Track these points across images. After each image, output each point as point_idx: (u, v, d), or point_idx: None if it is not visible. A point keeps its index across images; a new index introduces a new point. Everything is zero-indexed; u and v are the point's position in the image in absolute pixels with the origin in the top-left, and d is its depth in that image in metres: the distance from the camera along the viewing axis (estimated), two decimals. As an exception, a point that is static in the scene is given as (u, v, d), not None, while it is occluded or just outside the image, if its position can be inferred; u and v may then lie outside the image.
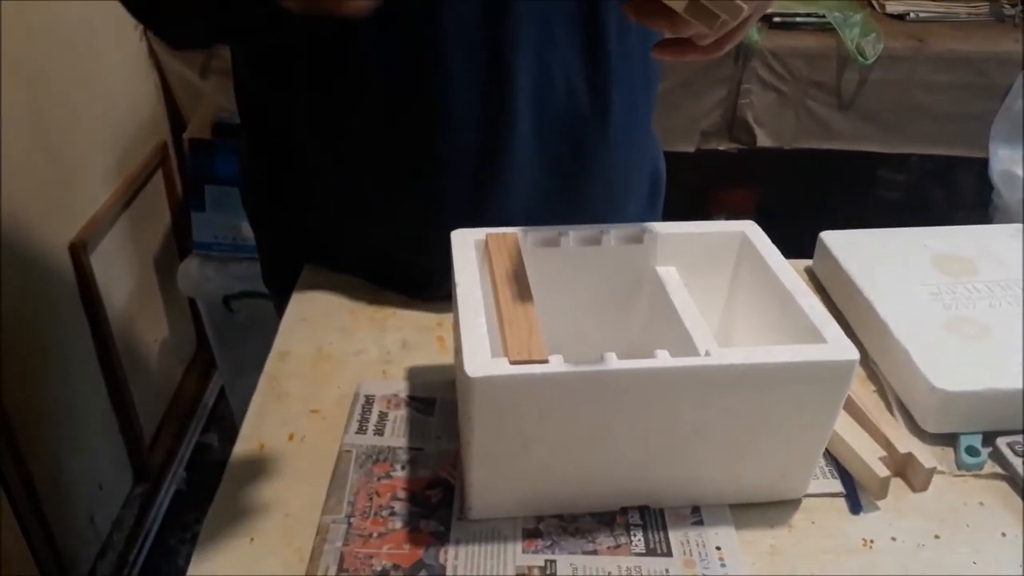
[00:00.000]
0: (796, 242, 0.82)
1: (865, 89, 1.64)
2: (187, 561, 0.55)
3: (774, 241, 0.64)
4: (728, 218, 2.21)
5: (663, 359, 0.51)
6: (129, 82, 1.53)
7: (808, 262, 0.86)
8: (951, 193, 2.00)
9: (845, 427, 0.62)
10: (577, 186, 0.76)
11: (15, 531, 1.20)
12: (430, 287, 0.78)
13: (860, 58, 1.59)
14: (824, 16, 1.65)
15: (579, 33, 0.69)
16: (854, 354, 0.52)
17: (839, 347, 0.53)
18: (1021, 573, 0.56)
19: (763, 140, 1.68)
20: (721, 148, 1.71)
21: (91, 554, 1.42)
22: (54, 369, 1.31)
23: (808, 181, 2.04)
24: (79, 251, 1.33)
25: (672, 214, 0.90)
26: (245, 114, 0.81)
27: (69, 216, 1.34)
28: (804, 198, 2.02)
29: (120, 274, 1.51)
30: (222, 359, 1.71)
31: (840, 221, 0.88)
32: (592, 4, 0.68)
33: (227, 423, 1.85)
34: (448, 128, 0.69)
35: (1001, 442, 0.64)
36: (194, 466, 1.76)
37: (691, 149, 1.66)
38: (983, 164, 1.67)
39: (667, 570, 0.55)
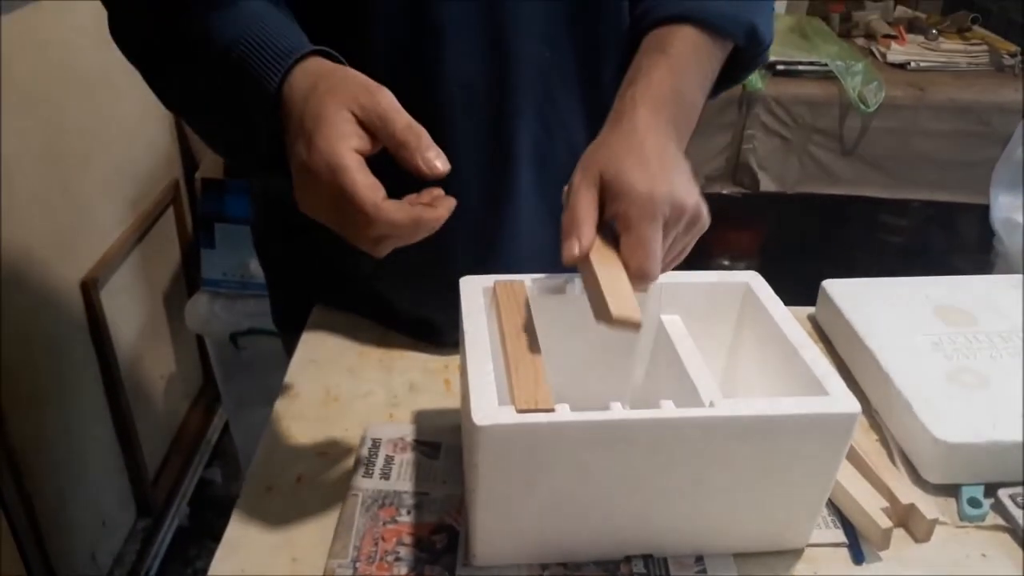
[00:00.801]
0: (798, 285, 0.83)
1: (867, 136, 1.67)
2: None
3: (776, 284, 0.65)
4: (731, 261, 2.20)
5: (668, 409, 0.52)
6: (143, 122, 1.56)
7: (811, 309, 0.87)
8: (953, 239, 2.01)
9: (847, 477, 0.63)
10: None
11: (18, 565, 1.20)
12: (438, 335, 0.79)
13: (862, 106, 1.62)
14: (826, 64, 1.68)
15: (580, 95, 0.71)
16: (856, 407, 0.53)
17: (841, 400, 0.53)
18: (1024, 627, 0.56)
19: (766, 185, 1.71)
20: (725, 192, 1.73)
21: (92, 591, 1.42)
22: (60, 403, 1.32)
23: (811, 225, 2.06)
24: (90, 288, 1.34)
25: (676, 257, 0.92)
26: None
27: (81, 254, 1.36)
28: (807, 242, 2.04)
29: (129, 310, 1.52)
30: (227, 395, 1.72)
31: (842, 265, 0.89)
32: (593, 67, 0.70)
33: (230, 458, 1.85)
34: (452, 187, 0.71)
35: (1003, 494, 0.64)
36: (197, 501, 1.75)
37: (695, 193, 1.68)
38: (984, 210, 1.68)
39: (670, 619, 0.55)
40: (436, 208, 0.52)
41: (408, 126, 0.51)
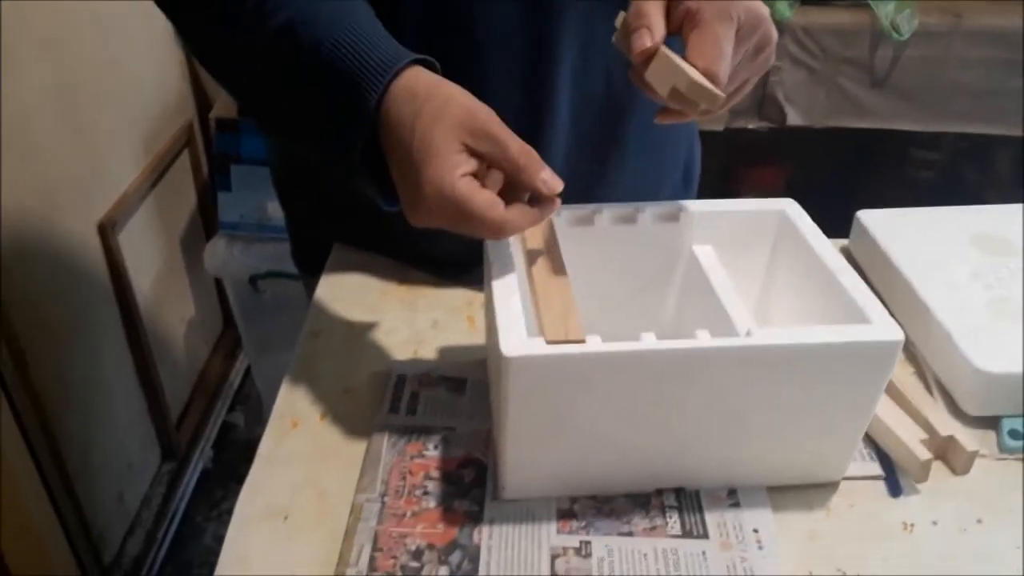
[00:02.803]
0: (825, 221, 0.80)
1: (899, 66, 1.61)
2: (214, 538, 0.55)
3: (805, 220, 0.63)
4: (758, 197, 2.15)
5: (703, 339, 0.50)
6: (156, 62, 1.53)
7: (844, 242, 0.84)
8: (986, 172, 1.96)
9: (885, 409, 0.61)
10: (612, 170, 0.75)
11: (47, 508, 1.22)
12: (460, 272, 0.77)
13: (895, 34, 1.56)
14: (858, -9, 1.61)
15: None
16: (899, 335, 0.51)
17: (884, 327, 0.51)
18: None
19: (793, 118, 1.66)
20: (751, 127, 1.68)
21: (120, 531, 1.44)
22: (83, 349, 1.32)
23: (838, 160, 2.01)
24: (107, 231, 1.34)
25: (701, 193, 0.89)
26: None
27: (98, 196, 1.35)
28: (834, 177, 1.99)
29: (147, 254, 1.52)
30: (248, 338, 1.72)
31: (870, 200, 0.86)
32: None
33: (253, 402, 1.86)
34: None
35: (1045, 425, 0.63)
36: (220, 445, 1.77)
37: (720, 128, 1.64)
38: (1021, 143, 1.63)
39: (704, 552, 0.54)
40: (550, 204, 0.53)
41: (522, 150, 0.51)
